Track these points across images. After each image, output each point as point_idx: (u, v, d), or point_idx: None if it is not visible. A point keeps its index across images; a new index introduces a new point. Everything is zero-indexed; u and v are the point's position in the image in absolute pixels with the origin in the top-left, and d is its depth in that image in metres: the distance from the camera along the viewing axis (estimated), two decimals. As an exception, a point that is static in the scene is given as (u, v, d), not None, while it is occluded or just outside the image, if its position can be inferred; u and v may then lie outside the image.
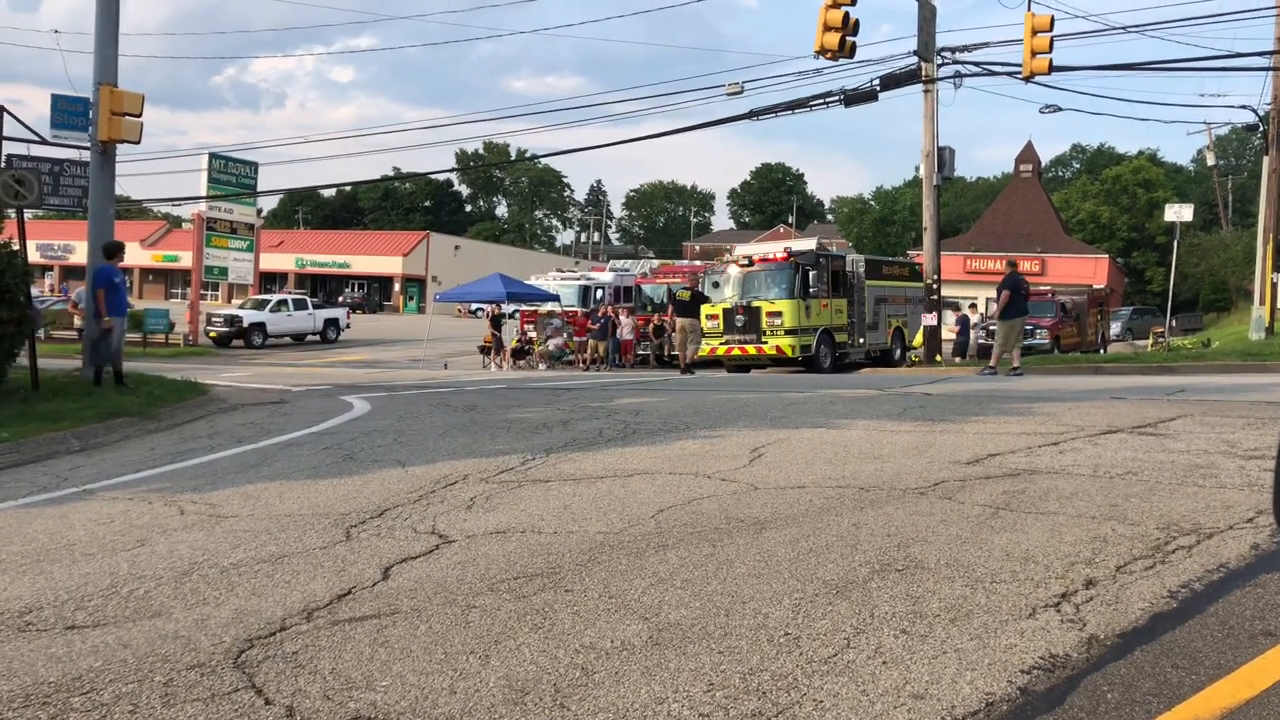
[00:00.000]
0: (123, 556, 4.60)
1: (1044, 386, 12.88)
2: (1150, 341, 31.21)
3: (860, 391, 11.82)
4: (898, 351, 26.86)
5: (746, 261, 24.11)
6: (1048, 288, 33.23)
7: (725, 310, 23.06)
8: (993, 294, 42.03)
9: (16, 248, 11.45)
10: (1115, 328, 37.91)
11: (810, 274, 22.73)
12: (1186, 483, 5.36)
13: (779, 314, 22.33)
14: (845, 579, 3.81)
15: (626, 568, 4.06)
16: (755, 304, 22.63)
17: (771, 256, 23.83)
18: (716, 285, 23.94)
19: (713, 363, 22.83)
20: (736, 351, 22.89)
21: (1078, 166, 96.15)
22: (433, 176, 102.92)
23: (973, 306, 29.92)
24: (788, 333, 22.22)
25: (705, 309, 23.00)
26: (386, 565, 4.24)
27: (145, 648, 3.32)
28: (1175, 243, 26.59)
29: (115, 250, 13.05)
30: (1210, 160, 53.81)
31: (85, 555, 4.66)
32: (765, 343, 22.38)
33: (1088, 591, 3.57)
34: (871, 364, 25.47)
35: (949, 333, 28.21)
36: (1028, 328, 26.67)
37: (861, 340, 25.05)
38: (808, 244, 25.65)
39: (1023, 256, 50.37)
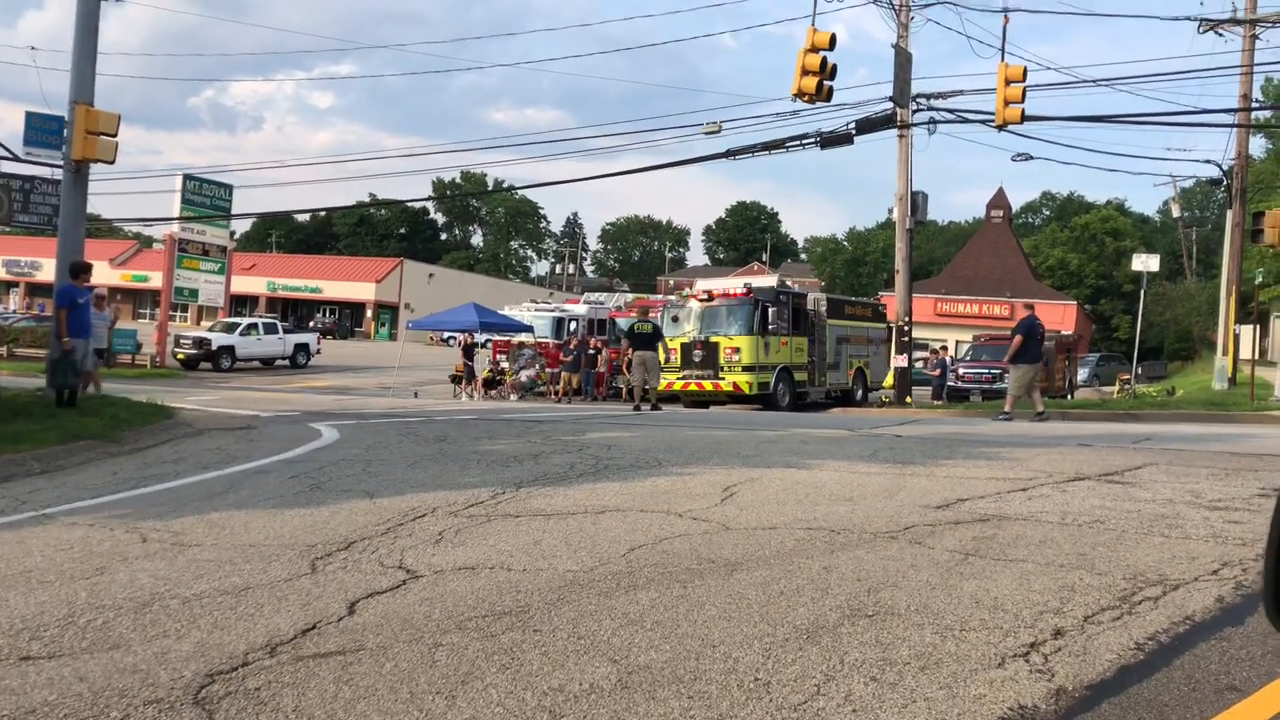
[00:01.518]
0: (81, 585, 4.50)
1: (1012, 431, 12.99)
2: (1117, 388, 31.61)
3: (831, 432, 11.87)
4: (859, 392, 26.66)
5: (706, 296, 23.90)
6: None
7: (683, 345, 22.80)
8: (963, 336, 42.39)
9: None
10: (1083, 373, 38.37)
11: (770, 310, 22.52)
12: (1153, 533, 5.41)
13: (737, 350, 22.12)
14: (816, 624, 3.79)
15: (596, 608, 4.03)
16: (714, 339, 22.37)
17: (731, 292, 23.62)
18: (675, 320, 23.66)
19: (670, 398, 22.53)
20: (693, 387, 22.62)
21: (1048, 213, 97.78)
22: (409, 204, 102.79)
23: (943, 348, 30.22)
24: (745, 369, 21.94)
25: (669, 341, 22.61)
26: (352, 600, 4.18)
27: (102, 681, 3.24)
28: (1142, 291, 27.01)
29: (80, 270, 12.85)
30: (1175, 212, 54.91)
31: (42, 583, 4.56)
32: (723, 379, 22.11)
33: (1056, 642, 3.58)
34: (832, 404, 25.30)
35: (929, 375, 28.46)
36: (994, 372, 27.01)
37: (822, 379, 24.78)
38: (768, 281, 25.63)
39: (993, 300, 51.17)
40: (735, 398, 22.24)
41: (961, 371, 27.73)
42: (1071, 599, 4.11)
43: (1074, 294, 59.07)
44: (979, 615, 3.90)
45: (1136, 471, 7.83)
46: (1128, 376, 32.14)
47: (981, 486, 6.99)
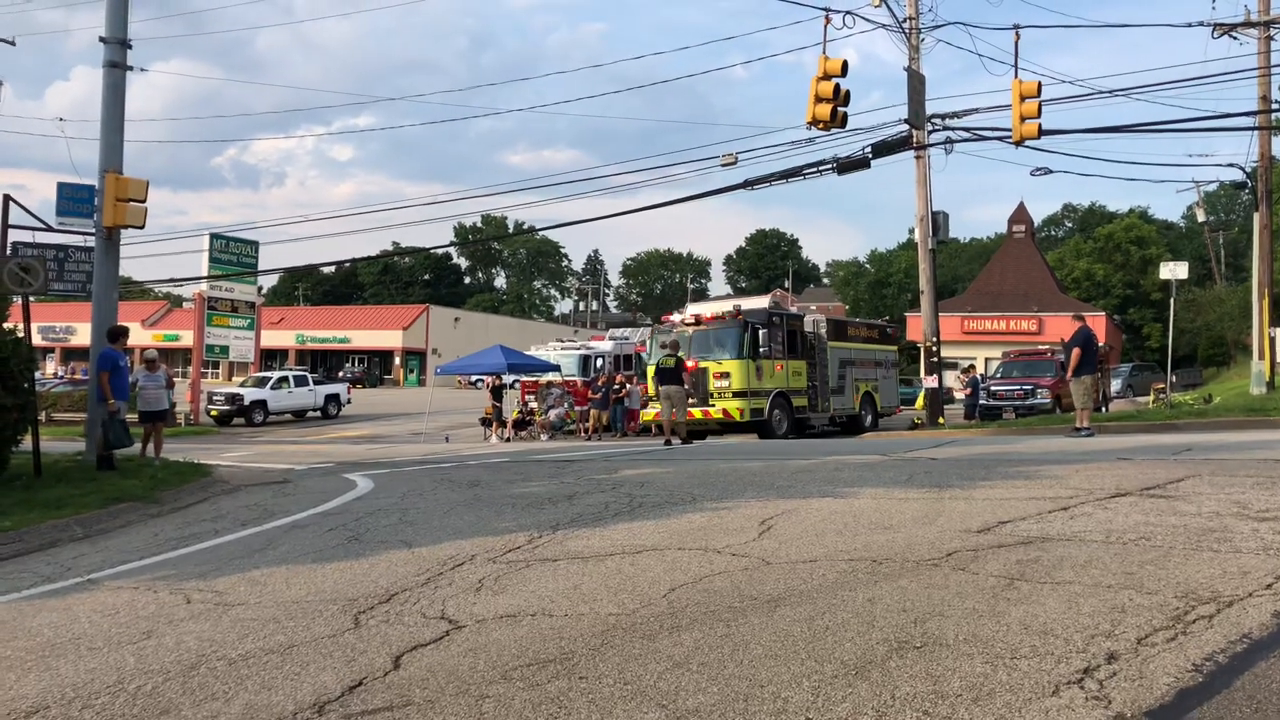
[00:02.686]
0: (129, 650, 4.54)
1: (1049, 448, 12.83)
2: (1151, 398, 31.17)
3: (864, 457, 11.78)
4: (869, 418, 25.49)
5: (693, 320, 23.00)
6: (1046, 347, 33.32)
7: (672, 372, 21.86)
8: (992, 354, 42.00)
9: (21, 334, 11.51)
10: (1116, 385, 37.91)
11: (761, 333, 21.63)
12: (1201, 547, 5.32)
13: (727, 375, 21.20)
14: (864, 658, 3.75)
15: (641, 651, 4.00)
16: (703, 364, 21.43)
17: (721, 314, 22.65)
18: (663, 346, 22.31)
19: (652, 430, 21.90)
20: (734, 411, 21.75)
21: (1070, 225, 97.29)
22: (432, 251, 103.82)
23: (971, 367, 29.96)
24: (736, 395, 21.06)
25: (652, 369, 21.66)
26: (397, 654, 4.18)
27: (154, 748, 3.26)
28: (1172, 299, 26.72)
29: (119, 334, 13.22)
30: (1201, 217, 54.42)
31: (91, 649, 4.60)
32: (713, 406, 21.14)
33: (1110, 666, 3.52)
34: (838, 431, 24.25)
35: (958, 394, 28.24)
36: (1027, 388, 26.74)
37: (826, 405, 23.74)
38: (760, 302, 24.54)
39: (1020, 316, 50.80)
40: (727, 425, 21.32)
41: (993, 389, 27.44)
42: (1123, 621, 4.04)
43: (1101, 305, 58.52)
44: (1029, 642, 3.84)
45: (1179, 484, 7.71)
46: (1162, 386, 31.70)
47: (1022, 507, 6.90)
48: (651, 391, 21.87)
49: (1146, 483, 7.85)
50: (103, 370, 12.79)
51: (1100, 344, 18.53)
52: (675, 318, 24.49)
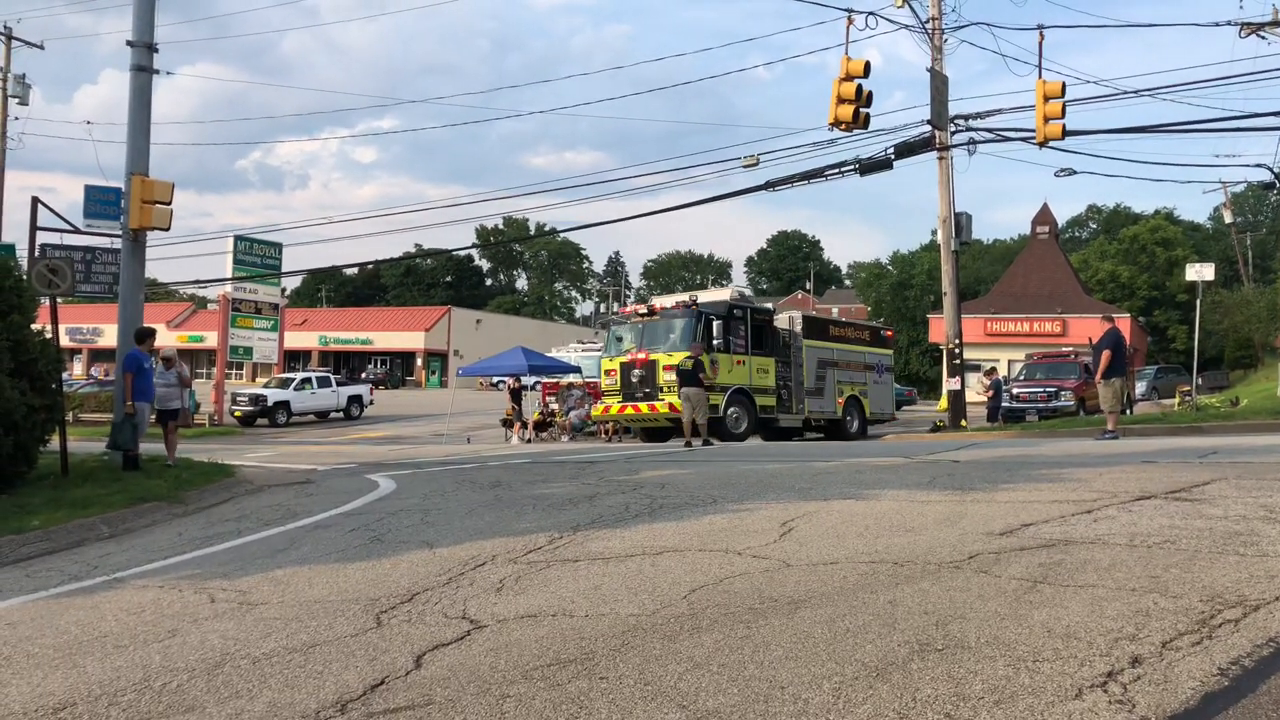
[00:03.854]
0: (155, 648, 4.59)
1: (1072, 450, 12.74)
2: (1177, 401, 30.88)
3: (886, 460, 11.73)
4: (854, 424, 24.29)
5: (646, 311, 22.08)
6: (1069, 349, 33.08)
7: (622, 365, 21.13)
8: (1015, 356, 41.77)
9: (49, 335, 11.65)
10: (1140, 387, 37.58)
11: (715, 325, 20.47)
12: (1227, 551, 5.26)
13: (675, 367, 19.78)
14: (885, 660, 3.74)
15: (661, 652, 4.01)
16: (652, 357, 20.55)
17: (674, 305, 21.64)
18: (620, 340, 22.03)
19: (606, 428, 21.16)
20: (629, 410, 20.91)
21: (1094, 227, 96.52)
22: (454, 253, 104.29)
23: (994, 369, 29.77)
24: None
25: (605, 363, 21.33)
26: (419, 653, 4.20)
27: (179, 744, 3.29)
28: (1198, 301, 26.46)
29: (145, 335, 13.32)
30: (1228, 218, 53.88)
31: (117, 647, 4.65)
32: (661, 400, 20.16)
33: (1134, 670, 3.49)
34: (816, 434, 23.39)
35: (980, 395, 27.96)
36: (1050, 390, 26.54)
37: (799, 406, 22.62)
38: (723, 294, 23.54)
39: (1043, 318, 50.44)
40: (678, 422, 19.99)
41: (1016, 391, 27.25)
42: (1147, 624, 4.01)
43: (1126, 307, 58.00)
44: (1052, 645, 3.81)
45: (1205, 487, 7.63)
46: (1188, 388, 31.41)
47: (1045, 510, 6.85)
48: (605, 385, 21.17)
49: (1171, 486, 7.77)
50: (128, 371, 12.92)
51: (1126, 346, 18.35)
52: (631, 309, 23.60)
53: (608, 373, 21.45)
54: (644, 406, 20.52)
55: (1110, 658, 3.63)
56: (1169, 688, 3.30)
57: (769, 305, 24.56)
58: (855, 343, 25.42)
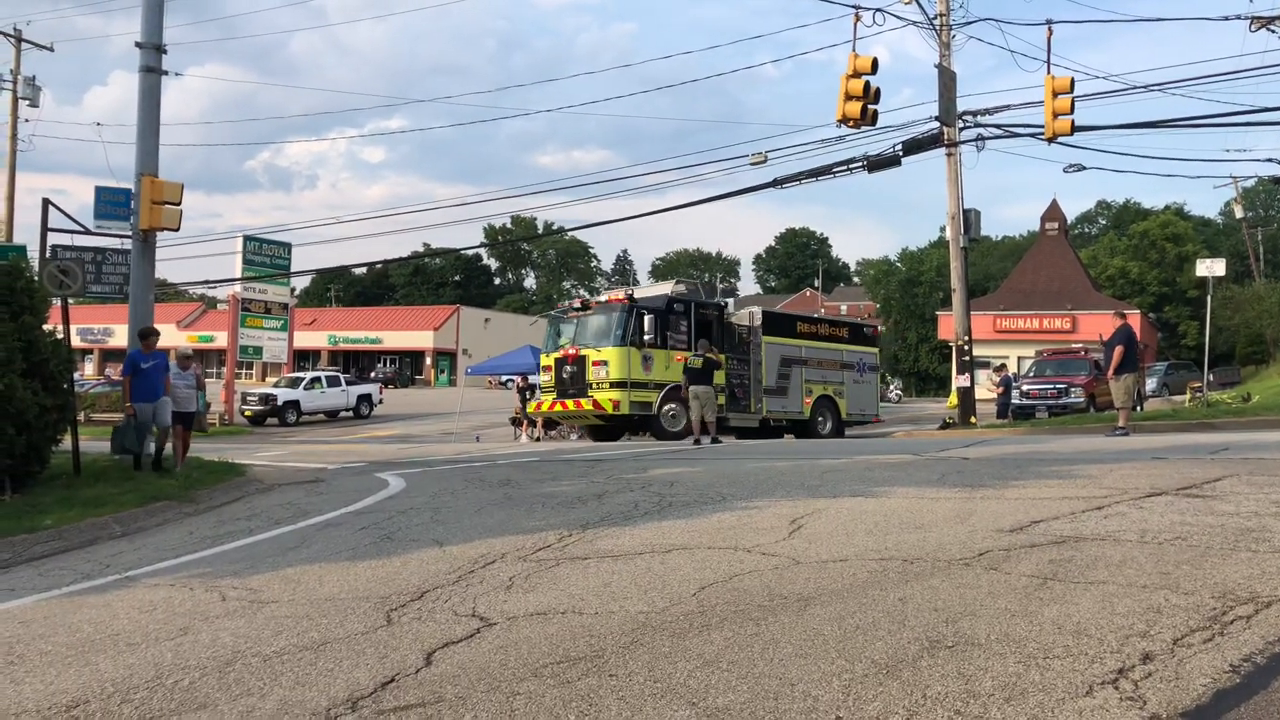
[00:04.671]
0: (166, 646, 4.61)
1: (1082, 447, 12.71)
2: (1188, 397, 30.77)
3: (896, 457, 11.71)
4: (827, 425, 23.43)
5: (580, 305, 21.91)
6: (1079, 345, 32.96)
7: (556, 360, 20.80)
8: (1025, 352, 41.57)
9: (61, 336, 11.70)
10: (1151, 384, 37.44)
11: (647, 319, 19.92)
12: (1239, 548, 5.24)
13: (604, 363, 19.67)
14: (895, 657, 3.74)
15: (671, 649, 4.01)
16: (583, 352, 20.22)
17: (608, 299, 21.28)
18: (559, 334, 21.66)
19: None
20: (558, 407, 20.67)
21: (1104, 222, 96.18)
22: (462, 252, 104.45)
23: (1003, 366, 29.68)
24: (614, 385, 19.52)
25: (543, 359, 21.08)
26: (429, 650, 4.22)
27: (192, 742, 3.31)
28: (1209, 297, 26.33)
29: (145, 334, 12.85)
30: (1239, 213, 53.64)
31: (130, 645, 4.67)
32: (591, 397, 19.74)
33: (1145, 666, 3.48)
34: (781, 434, 22.66)
35: (990, 392, 27.85)
36: (1060, 387, 26.44)
37: (758, 406, 21.98)
38: (663, 288, 22.82)
39: (1053, 314, 50.28)
40: (612, 420, 19.95)
41: (1026, 388, 27.16)
42: (1158, 621, 4.00)
43: (1136, 303, 57.74)
44: (1062, 642, 3.81)
45: (1216, 484, 7.60)
46: (1199, 384, 31.28)
47: (1055, 507, 6.84)
48: (543, 381, 20.73)
49: (1182, 482, 7.74)
50: (125, 374, 12.70)
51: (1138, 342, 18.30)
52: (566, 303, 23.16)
53: (544, 369, 21.10)
54: (570, 403, 20.22)
55: (1121, 654, 3.62)
56: (1180, 685, 3.29)
57: (720, 301, 23.57)
58: (830, 340, 24.51)
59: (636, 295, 21.27)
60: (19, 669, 4.38)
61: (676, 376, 20.10)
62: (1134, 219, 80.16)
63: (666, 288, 23.00)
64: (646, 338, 19.89)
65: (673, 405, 20.07)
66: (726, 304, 23.29)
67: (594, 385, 19.87)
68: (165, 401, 12.73)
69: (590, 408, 19.86)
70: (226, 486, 11.63)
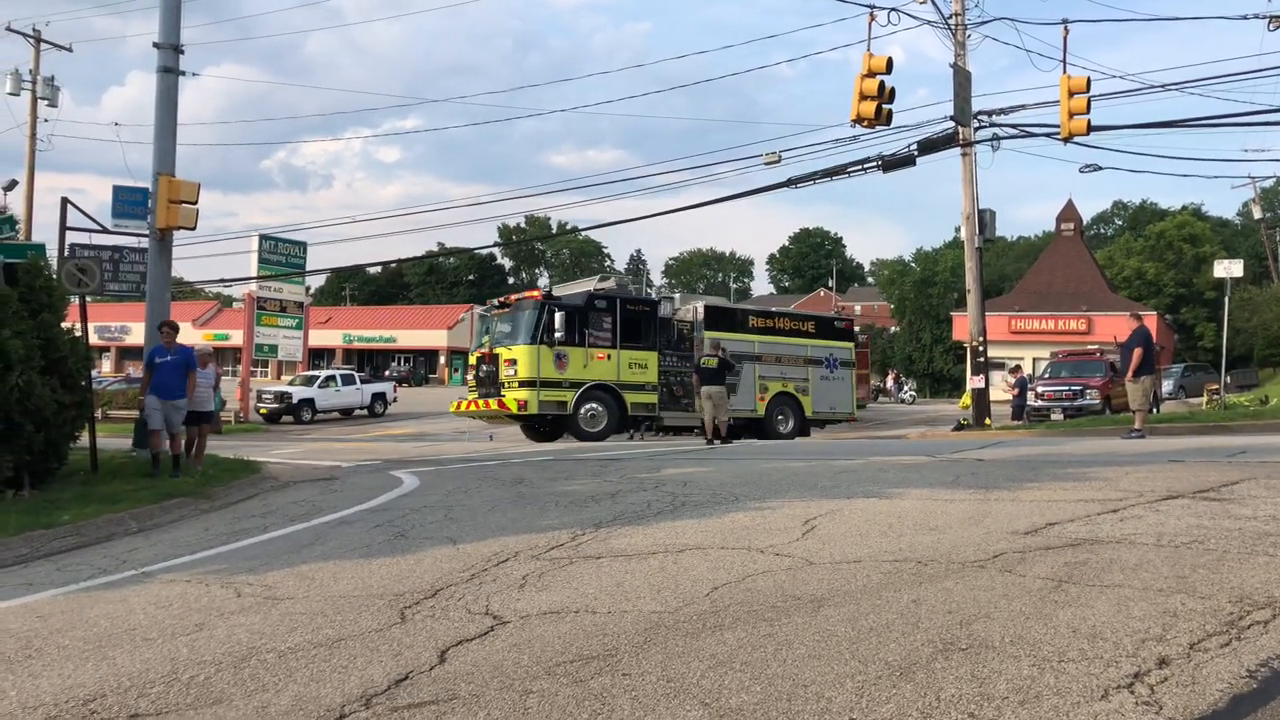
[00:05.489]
0: (182, 641, 4.64)
1: (1098, 449, 12.64)
2: (1205, 399, 30.55)
3: (910, 458, 11.68)
4: (788, 423, 22.60)
5: (498, 304, 21.53)
6: (1095, 347, 32.79)
7: (476, 359, 20.70)
8: (1040, 354, 41.40)
9: (79, 333, 11.80)
10: (1167, 386, 37.19)
11: (558, 316, 19.39)
12: (1256, 552, 5.21)
13: (514, 362, 19.36)
14: (908, 659, 3.73)
15: (684, 649, 4.01)
16: (496, 351, 20.01)
17: (528, 296, 20.77)
18: (486, 333, 21.38)
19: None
20: (471, 407, 20.60)
21: (1120, 223, 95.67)
22: (476, 251, 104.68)
23: (1018, 368, 29.54)
24: (523, 385, 19.20)
25: (470, 357, 20.93)
26: (443, 648, 4.23)
27: (207, 737, 3.33)
28: (1226, 298, 26.14)
29: (162, 326, 12.45)
30: (1257, 213, 53.22)
31: (146, 640, 4.71)
32: (503, 396, 19.45)
33: (1161, 671, 3.46)
34: (729, 436, 21.40)
35: (1005, 393, 27.73)
36: (1075, 389, 26.30)
37: (699, 404, 20.91)
38: (587, 284, 22.29)
39: (1069, 316, 50.02)
40: (521, 418, 19.72)
41: (1041, 390, 27.03)
42: (1174, 625, 3.98)
43: (1153, 304, 57.39)
44: (1077, 645, 3.79)
45: (1234, 487, 7.55)
46: (1216, 386, 31.08)
47: (1070, 509, 6.81)
48: (469, 380, 20.39)
49: (1199, 485, 7.70)
50: (145, 368, 12.45)
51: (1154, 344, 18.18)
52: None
53: (470, 367, 20.98)
54: (481, 403, 20.13)
55: (1137, 658, 3.60)
56: (1197, 689, 3.28)
57: (654, 295, 22.79)
58: (792, 334, 23.60)
59: (575, 290, 20.94)
60: (36, 663, 4.42)
61: (597, 375, 19.89)
62: (1150, 219, 79.68)
63: (592, 284, 22.39)
64: (558, 335, 19.48)
65: (593, 405, 19.84)
66: (664, 300, 22.77)
67: (504, 384, 19.63)
68: (180, 405, 11.94)
69: (495, 407, 19.76)
70: (242, 484, 11.69)
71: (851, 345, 25.09)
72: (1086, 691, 3.31)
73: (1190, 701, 3.17)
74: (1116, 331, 19.82)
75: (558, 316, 19.49)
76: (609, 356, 20.25)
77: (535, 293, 20.88)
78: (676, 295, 23.70)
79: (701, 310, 22.36)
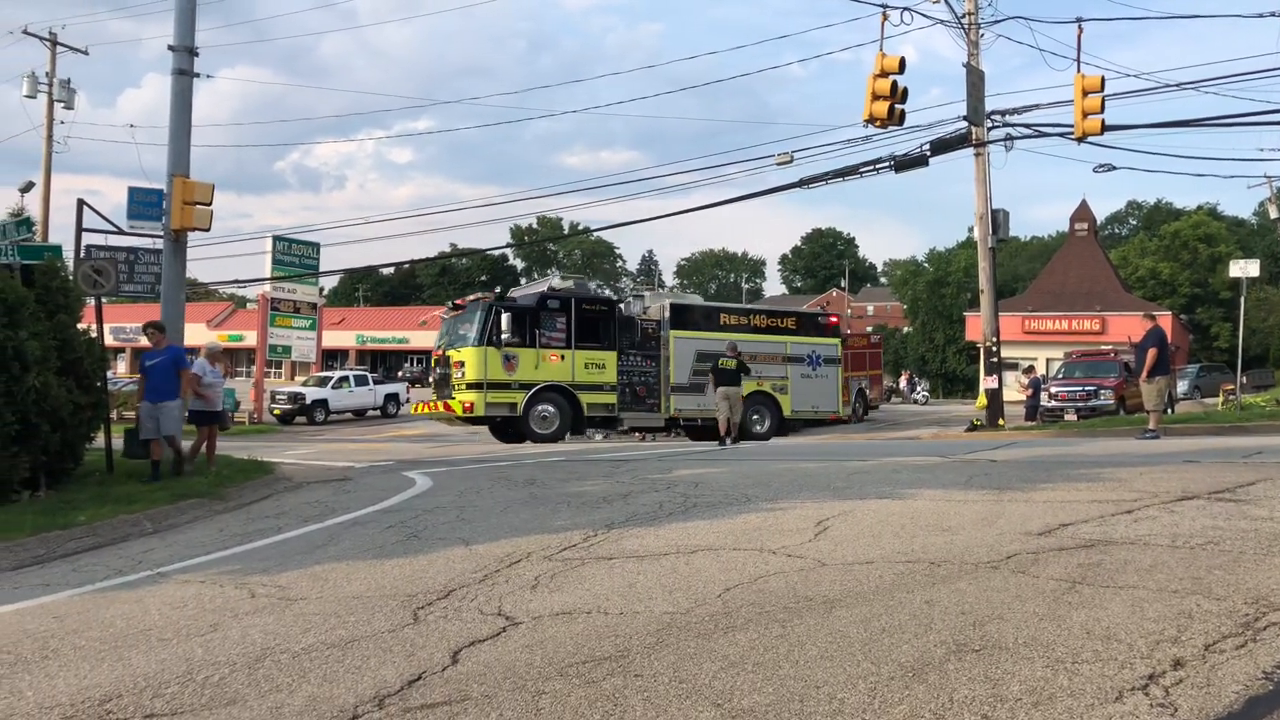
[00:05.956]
0: (197, 642, 4.66)
1: (1112, 450, 12.58)
2: (1221, 400, 30.36)
3: (923, 459, 11.65)
4: (764, 423, 22.19)
5: (451, 305, 21.69)
6: (1109, 347, 32.62)
7: (435, 361, 21.08)
8: (1054, 354, 41.21)
9: (94, 334, 11.86)
10: (1183, 386, 36.98)
11: (505, 318, 19.40)
12: (1273, 552, 5.18)
13: (463, 364, 19.52)
14: (921, 660, 3.72)
15: (696, 650, 4.01)
16: (446, 353, 20.37)
17: (479, 297, 20.98)
18: (443, 335, 21.57)
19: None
20: (426, 409, 21.21)
21: (1134, 223, 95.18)
22: (488, 252, 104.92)
23: (1032, 368, 29.40)
24: (470, 387, 19.29)
25: (433, 360, 21.21)
26: (455, 649, 4.24)
27: (222, 737, 3.35)
28: (1242, 298, 25.97)
29: (146, 327, 12.08)
30: (1273, 213, 52.69)
31: (161, 641, 4.73)
32: (454, 398, 19.60)
33: (1176, 673, 3.45)
34: (695, 434, 21.72)
35: (1019, 394, 27.61)
36: (1089, 389, 26.16)
37: (665, 404, 21.17)
38: (542, 284, 22.23)
39: (1082, 316, 49.77)
40: (473, 420, 19.99)
41: (1055, 390, 26.89)
42: (1189, 627, 3.95)
43: (1168, 304, 57.07)
44: (1091, 646, 3.77)
45: (1250, 488, 7.50)
46: (1232, 387, 30.88)
47: (1084, 510, 6.78)
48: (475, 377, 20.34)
49: (1215, 486, 7.65)
50: (140, 373, 12.13)
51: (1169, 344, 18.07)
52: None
53: (431, 369, 21.40)
54: (437, 405, 20.38)
55: (1151, 660, 3.59)
56: (1212, 691, 3.26)
57: (611, 295, 22.45)
58: (770, 332, 23.02)
59: (534, 291, 20.96)
60: (53, 663, 4.45)
61: (549, 376, 19.81)
62: (1165, 219, 79.20)
63: (568, 284, 22.02)
64: (504, 336, 19.45)
65: (545, 406, 19.77)
66: (631, 299, 22.62)
67: (454, 386, 19.76)
68: (168, 407, 11.48)
69: (440, 410, 20.06)
70: (256, 484, 11.73)
71: (837, 342, 24.53)
72: (1101, 693, 3.29)
73: (1205, 703, 3.16)
74: (1130, 332, 19.69)
75: (504, 318, 19.51)
76: (563, 357, 20.16)
77: (488, 295, 21.01)
78: (646, 294, 23.40)
79: (668, 309, 22.03)
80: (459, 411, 19.55)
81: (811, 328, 24.24)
